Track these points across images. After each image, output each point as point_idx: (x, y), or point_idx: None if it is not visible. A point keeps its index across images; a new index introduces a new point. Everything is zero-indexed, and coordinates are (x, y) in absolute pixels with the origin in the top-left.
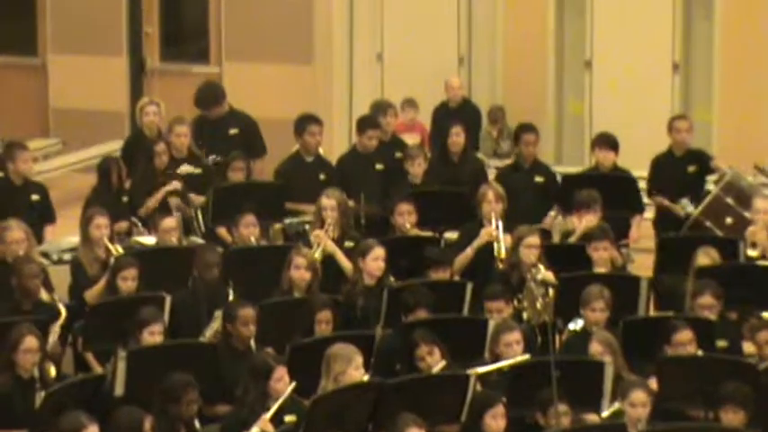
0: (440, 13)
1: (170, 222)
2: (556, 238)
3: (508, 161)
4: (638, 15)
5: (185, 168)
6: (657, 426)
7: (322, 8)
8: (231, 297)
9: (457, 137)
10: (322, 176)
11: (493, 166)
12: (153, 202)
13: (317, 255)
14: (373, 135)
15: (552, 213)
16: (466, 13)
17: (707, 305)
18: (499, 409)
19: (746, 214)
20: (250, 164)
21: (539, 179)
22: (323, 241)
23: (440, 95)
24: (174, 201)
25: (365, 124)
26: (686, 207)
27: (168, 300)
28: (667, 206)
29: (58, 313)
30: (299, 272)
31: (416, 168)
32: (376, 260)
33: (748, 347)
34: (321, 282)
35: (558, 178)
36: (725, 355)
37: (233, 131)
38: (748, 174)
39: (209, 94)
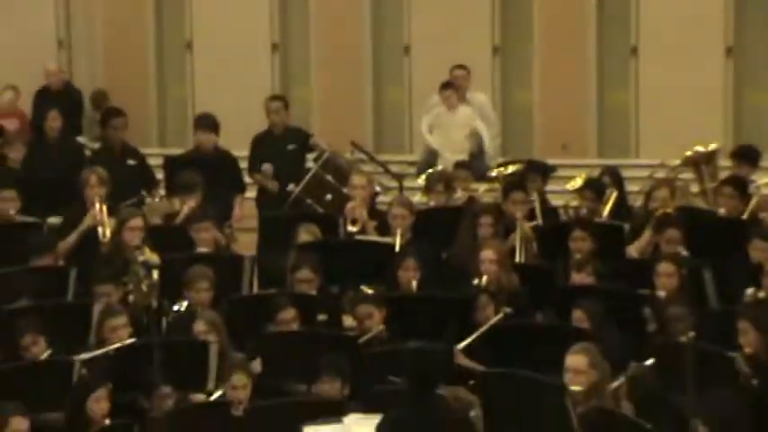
0: None
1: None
2: (153, 220)
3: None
4: None
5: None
6: (261, 403)
7: None
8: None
9: (53, 121)
10: None
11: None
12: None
13: None
14: None
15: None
16: None
17: (305, 279)
18: (102, 393)
19: (345, 190)
20: None
21: (131, 162)
22: None
23: (41, 80)
24: None
25: None
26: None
27: None
28: (261, 182)
29: None
30: None
31: (16, 154)
32: None
33: (348, 320)
34: None
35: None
36: (325, 329)
37: None
38: (346, 151)
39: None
